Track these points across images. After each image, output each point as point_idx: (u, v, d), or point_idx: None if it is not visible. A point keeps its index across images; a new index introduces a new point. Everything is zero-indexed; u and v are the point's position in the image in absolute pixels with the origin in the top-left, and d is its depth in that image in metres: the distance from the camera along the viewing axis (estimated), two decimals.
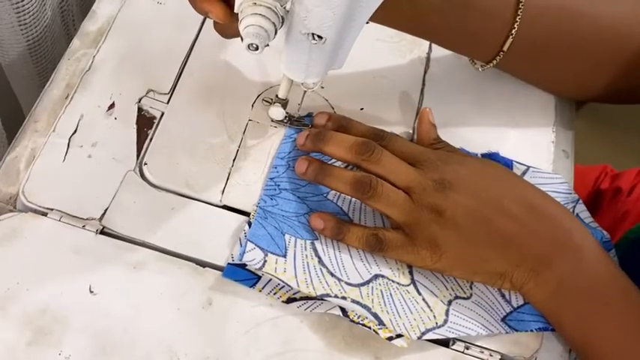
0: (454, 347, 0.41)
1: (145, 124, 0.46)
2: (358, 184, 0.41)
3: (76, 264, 0.40)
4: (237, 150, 0.45)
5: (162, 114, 0.46)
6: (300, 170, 0.42)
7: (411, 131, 0.48)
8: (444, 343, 0.41)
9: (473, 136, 0.48)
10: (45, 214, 0.41)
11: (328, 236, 0.42)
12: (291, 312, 0.40)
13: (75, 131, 0.44)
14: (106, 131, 0.45)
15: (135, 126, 0.45)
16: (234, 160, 0.45)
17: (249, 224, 0.42)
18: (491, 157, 0.47)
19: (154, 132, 0.45)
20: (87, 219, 0.41)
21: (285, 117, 0.46)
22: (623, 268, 0.41)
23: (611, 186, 0.67)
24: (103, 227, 0.41)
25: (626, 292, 0.39)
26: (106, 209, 0.42)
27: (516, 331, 0.41)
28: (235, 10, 0.36)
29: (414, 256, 0.40)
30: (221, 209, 0.43)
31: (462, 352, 0.40)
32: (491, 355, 0.40)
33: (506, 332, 0.41)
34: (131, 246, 0.41)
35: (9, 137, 0.54)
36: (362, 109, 0.48)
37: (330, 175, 0.42)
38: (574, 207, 0.45)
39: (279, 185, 0.43)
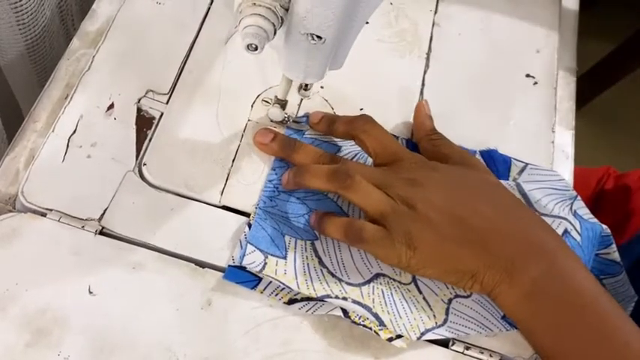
0: (454, 347, 0.41)
1: (145, 124, 0.46)
2: (334, 174, 0.40)
3: (75, 264, 0.40)
4: (237, 150, 0.45)
5: (162, 114, 0.46)
6: (283, 184, 0.43)
7: (410, 132, 0.48)
8: (444, 343, 0.41)
9: (472, 136, 0.48)
10: (44, 215, 0.41)
11: (315, 228, 0.42)
12: (291, 312, 0.40)
13: (74, 131, 0.44)
14: (106, 131, 0.45)
15: (134, 126, 0.45)
16: (233, 160, 0.45)
17: (249, 226, 0.42)
18: (490, 154, 0.47)
19: (153, 132, 0.45)
20: (86, 219, 0.41)
21: (285, 117, 0.46)
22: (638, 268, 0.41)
23: (616, 186, 0.67)
24: (102, 228, 0.41)
25: (599, 298, 0.38)
26: (105, 210, 0.42)
27: (517, 329, 0.41)
28: (234, 10, 0.36)
29: (390, 251, 0.39)
30: (220, 209, 0.43)
31: (462, 353, 0.40)
32: (491, 356, 0.40)
33: (507, 330, 0.41)
34: (130, 246, 0.41)
35: (7, 137, 0.54)
36: (361, 109, 0.48)
37: (307, 172, 0.42)
38: (572, 203, 0.45)
39: (277, 187, 0.43)
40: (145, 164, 0.44)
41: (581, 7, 0.57)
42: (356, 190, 0.40)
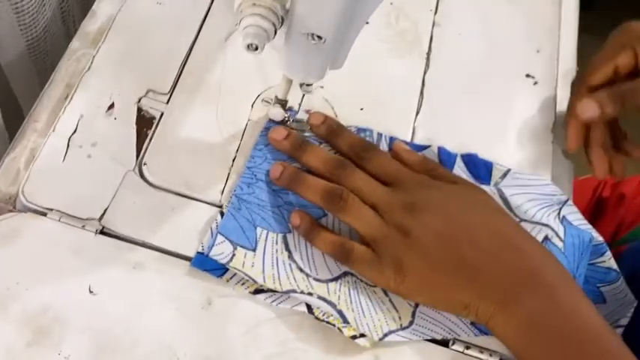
0: (454, 347, 0.41)
1: (145, 124, 0.46)
2: (328, 194, 0.40)
3: (76, 264, 0.40)
4: (237, 150, 0.45)
5: (162, 114, 0.46)
6: (274, 175, 0.43)
7: (410, 132, 0.48)
8: (444, 343, 0.41)
9: (472, 136, 0.48)
10: (45, 214, 0.41)
11: (301, 235, 0.42)
12: (291, 312, 0.40)
13: (74, 131, 0.44)
14: (106, 131, 0.45)
15: (134, 126, 0.45)
16: (233, 160, 0.45)
17: (222, 214, 0.42)
18: (471, 157, 0.46)
19: (154, 132, 0.45)
20: (86, 219, 0.41)
21: (285, 117, 0.46)
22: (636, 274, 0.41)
23: (613, 194, 0.67)
24: (103, 227, 0.41)
25: (600, 333, 0.37)
26: (106, 209, 0.42)
27: (485, 334, 0.40)
28: (234, 10, 0.36)
29: (378, 275, 0.39)
30: (221, 209, 0.43)
31: (462, 353, 0.40)
32: (491, 355, 0.40)
33: (475, 335, 0.40)
34: (131, 246, 0.41)
35: (8, 138, 0.54)
36: (362, 109, 0.48)
37: (303, 183, 0.42)
38: (560, 208, 0.44)
39: (255, 175, 0.43)
40: (145, 164, 0.44)
41: (581, 8, 0.57)
42: (347, 213, 0.40)
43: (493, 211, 0.41)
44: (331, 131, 0.45)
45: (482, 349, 0.41)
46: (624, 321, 0.46)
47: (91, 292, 0.40)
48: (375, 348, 0.40)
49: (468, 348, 0.41)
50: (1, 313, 0.38)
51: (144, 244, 0.41)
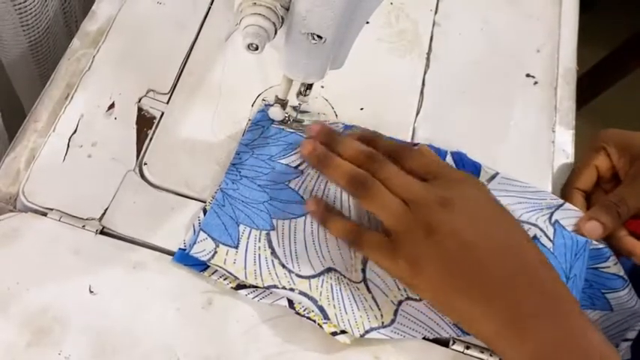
0: (454, 347, 0.41)
1: (145, 124, 0.46)
2: (354, 179, 0.40)
3: (76, 264, 0.40)
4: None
5: (162, 114, 0.46)
6: (305, 151, 0.42)
7: (410, 132, 0.48)
8: (444, 343, 0.41)
9: (472, 136, 0.48)
10: (45, 214, 0.41)
11: (316, 220, 0.42)
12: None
13: (75, 131, 0.44)
14: (106, 131, 0.45)
15: (135, 126, 0.45)
16: None
17: (205, 212, 0.42)
18: (460, 155, 0.46)
19: (154, 132, 0.45)
20: (87, 219, 0.41)
21: (285, 117, 0.46)
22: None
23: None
24: (103, 227, 0.41)
25: (608, 356, 0.36)
26: (106, 209, 0.42)
27: (468, 335, 0.40)
28: (235, 10, 0.36)
29: (390, 263, 0.39)
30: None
31: (462, 353, 0.40)
32: (491, 355, 0.40)
33: (458, 336, 0.40)
34: (131, 246, 0.41)
35: (10, 138, 0.55)
36: (362, 109, 0.48)
37: (330, 165, 0.41)
38: (552, 212, 0.43)
39: (240, 172, 0.43)
40: (145, 164, 0.44)
41: (581, 8, 0.57)
42: (371, 201, 0.39)
43: (515, 229, 0.40)
44: (370, 140, 0.43)
45: (482, 349, 0.41)
46: (632, 334, 0.44)
47: (91, 292, 0.40)
48: (375, 347, 0.40)
49: (468, 348, 0.41)
50: (1, 313, 0.38)
51: (144, 244, 0.41)
